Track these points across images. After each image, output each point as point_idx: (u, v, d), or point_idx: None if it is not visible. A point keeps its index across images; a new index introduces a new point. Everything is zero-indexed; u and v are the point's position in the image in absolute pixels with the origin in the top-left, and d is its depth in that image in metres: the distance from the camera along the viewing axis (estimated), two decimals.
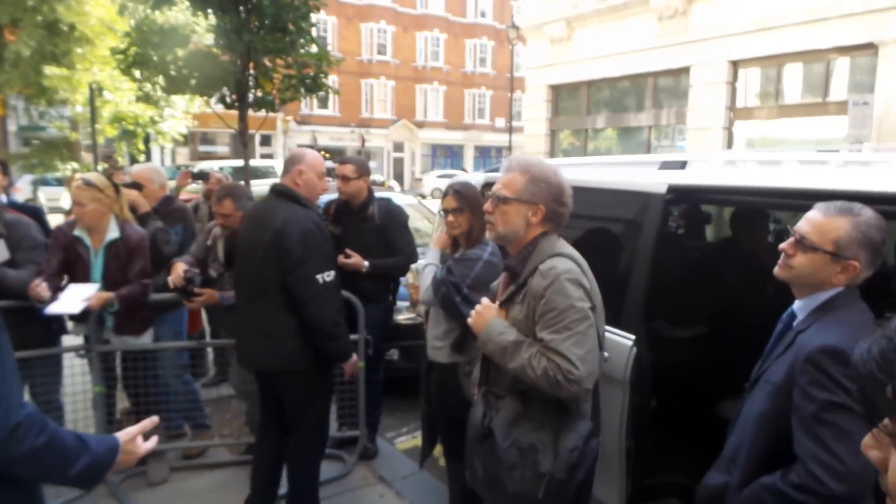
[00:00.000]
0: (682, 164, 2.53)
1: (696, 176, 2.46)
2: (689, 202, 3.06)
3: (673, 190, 2.39)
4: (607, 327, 2.44)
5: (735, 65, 11.06)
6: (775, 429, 1.61)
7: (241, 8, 7.73)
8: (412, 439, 4.36)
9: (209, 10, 7.79)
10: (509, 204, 2.00)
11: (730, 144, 11.18)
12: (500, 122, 39.16)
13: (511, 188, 2.01)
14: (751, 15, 10.43)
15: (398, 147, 38.03)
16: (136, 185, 3.78)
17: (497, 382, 2.07)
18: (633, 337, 2.42)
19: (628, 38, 12.56)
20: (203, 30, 8.47)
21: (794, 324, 1.71)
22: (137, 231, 3.31)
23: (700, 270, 3.29)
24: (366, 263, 3.60)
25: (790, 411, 1.56)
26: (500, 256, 2.67)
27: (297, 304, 2.70)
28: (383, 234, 3.70)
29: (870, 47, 9.08)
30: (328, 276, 2.72)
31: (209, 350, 5.05)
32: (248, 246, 2.83)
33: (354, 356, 3.00)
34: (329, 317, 2.74)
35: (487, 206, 2.08)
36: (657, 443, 2.58)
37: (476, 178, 3.51)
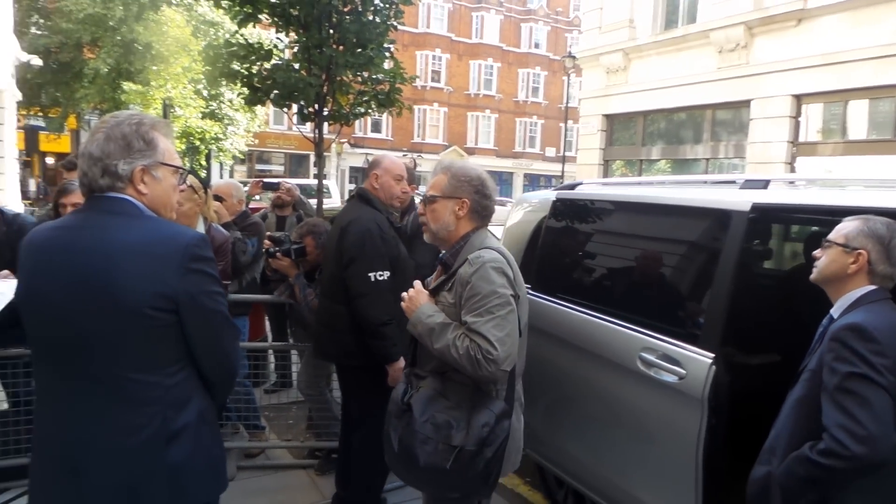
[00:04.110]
0: (765, 184, 2.52)
1: (781, 195, 2.44)
2: (773, 222, 3.02)
3: (757, 209, 2.38)
4: (684, 345, 2.45)
5: (798, 99, 10.86)
6: (811, 412, 1.73)
7: (325, 25, 8.13)
8: None
9: (291, 28, 8.24)
10: (437, 202, 2.18)
11: None
12: (551, 151, 39.17)
13: (437, 187, 2.20)
14: (815, 49, 10.26)
15: None
16: (217, 198, 3.98)
17: (422, 365, 2.20)
18: (711, 356, 2.39)
19: (686, 70, 12.48)
20: (285, 45, 8.93)
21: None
22: (222, 233, 3.47)
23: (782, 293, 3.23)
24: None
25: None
26: None
27: (350, 300, 2.84)
28: (409, 243, 3.69)
29: None
30: (381, 275, 2.82)
31: (271, 358, 5.18)
32: (328, 244, 3.06)
33: (402, 361, 2.89)
34: (376, 315, 2.79)
35: (420, 208, 2.25)
36: (733, 467, 2.53)
37: (548, 195, 3.57)
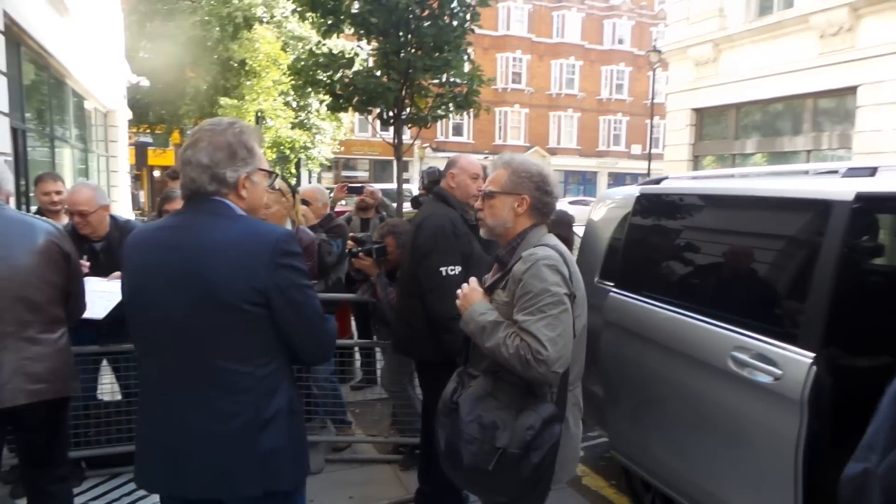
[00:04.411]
0: (872, 171, 2.33)
1: (892, 182, 2.25)
2: (882, 212, 2.79)
3: (862, 198, 2.20)
4: (781, 344, 2.31)
5: None
6: None
7: (402, 31, 8.40)
8: None
9: (371, 36, 8.56)
10: (496, 198, 2.13)
11: None
12: (637, 148, 38.02)
13: (496, 183, 2.14)
14: None
15: None
16: (304, 202, 4.17)
17: (475, 364, 2.16)
18: (811, 356, 2.24)
19: (783, 58, 11.75)
20: (366, 53, 9.26)
21: None
22: (309, 234, 3.62)
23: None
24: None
25: None
26: None
27: (422, 294, 2.88)
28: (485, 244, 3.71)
29: None
30: (452, 269, 2.83)
31: (357, 355, 5.34)
32: (407, 243, 3.13)
33: None
34: (446, 309, 2.74)
35: (478, 203, 2.19)
36: (837, 474, 2.36)
37: (631, 190, 3.48)
